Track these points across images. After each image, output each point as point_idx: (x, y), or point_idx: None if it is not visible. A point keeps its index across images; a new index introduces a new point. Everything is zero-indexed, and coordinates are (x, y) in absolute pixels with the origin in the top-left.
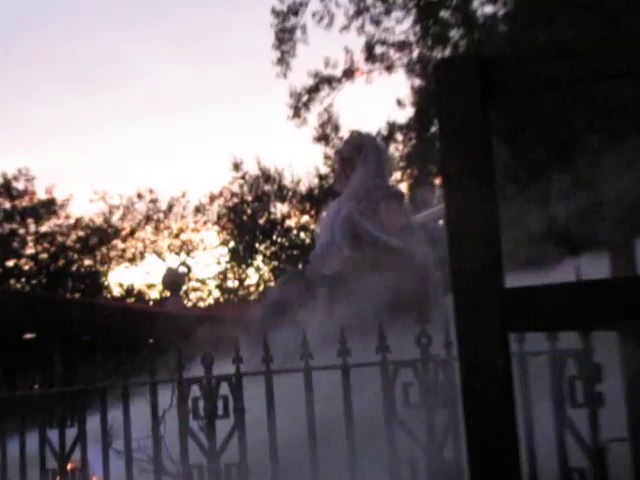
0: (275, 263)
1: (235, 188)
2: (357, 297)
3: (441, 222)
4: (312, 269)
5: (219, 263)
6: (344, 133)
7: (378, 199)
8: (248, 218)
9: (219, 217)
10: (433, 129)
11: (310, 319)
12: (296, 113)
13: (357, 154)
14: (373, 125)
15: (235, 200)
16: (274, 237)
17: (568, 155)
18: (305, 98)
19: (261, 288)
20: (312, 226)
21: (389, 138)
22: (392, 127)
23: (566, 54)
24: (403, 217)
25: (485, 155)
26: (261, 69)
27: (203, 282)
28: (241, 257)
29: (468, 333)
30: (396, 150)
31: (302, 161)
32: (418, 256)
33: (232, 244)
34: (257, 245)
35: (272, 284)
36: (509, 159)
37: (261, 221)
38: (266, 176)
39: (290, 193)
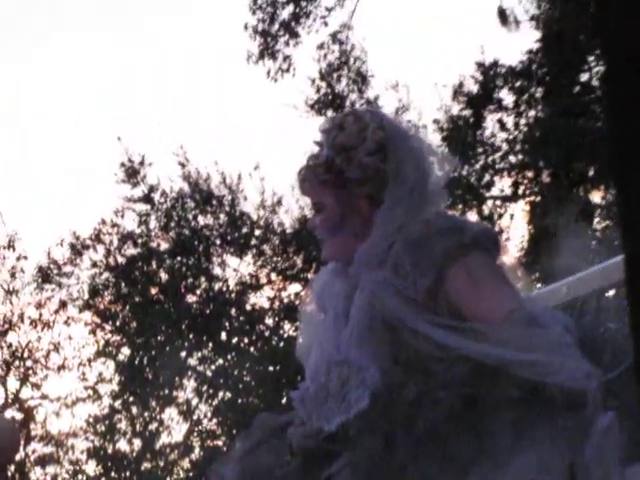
0: (226, 395)
1: (129, 223)
2: None
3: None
4: (299, 431)
5: (96, 397)
6: (369, 92)
7: (441, 258)
8: (161, 292)
9: (94, 292)
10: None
11: None
12: (265, 48)
13: (377, 167)
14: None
15: (131, 251)
16: (223, 337)
17: None
18: (285, 14)
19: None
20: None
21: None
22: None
23: None
24: (507, 291)
25: None
26: None
27: (60, 443)
28: (146, 384)
29: None
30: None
31: (279, 158)
32: (556, 378)
33: (126, 353)
34: (183, 356)
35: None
36: None
37: (192, 298)
38: (203, 194)
39: (258, 233)
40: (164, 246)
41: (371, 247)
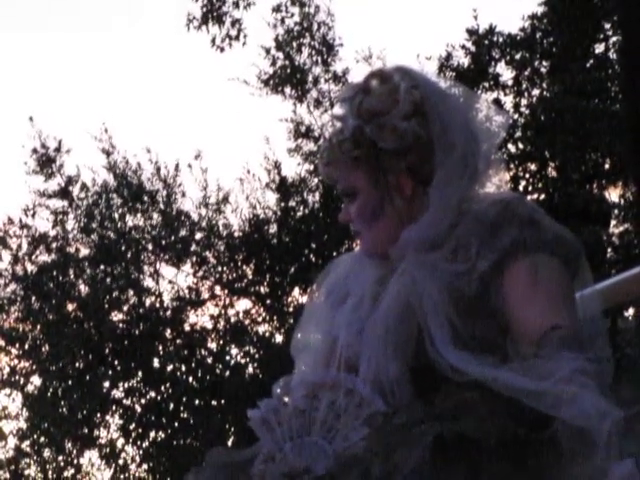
0: (159, 435)
1: (42, 223)
2: None
3: None
4: (273, 468)
5: None
6: (358, 68)
7: (510, 246)
8: (79, 308)
9: None
10: None
11: None
12: (210, 10)
13: (416, 133)
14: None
15: (44, 257)
16: (155, 364)
17: None
18: None
19: None
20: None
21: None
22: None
23: None
24: (562, 305)
25: None
26: None
27: None
28: (61, 421)
29: None
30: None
31: (225, 145)
32: (565, 413)
33: (36, 383)
34: (106, 386)
35: None
36: None
37: (118, 316)
38: (132, 189)
39: (199, 236)
40: (84, 252)
41: (426, 227)
